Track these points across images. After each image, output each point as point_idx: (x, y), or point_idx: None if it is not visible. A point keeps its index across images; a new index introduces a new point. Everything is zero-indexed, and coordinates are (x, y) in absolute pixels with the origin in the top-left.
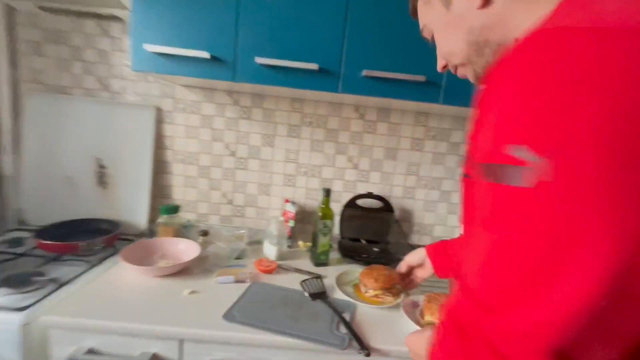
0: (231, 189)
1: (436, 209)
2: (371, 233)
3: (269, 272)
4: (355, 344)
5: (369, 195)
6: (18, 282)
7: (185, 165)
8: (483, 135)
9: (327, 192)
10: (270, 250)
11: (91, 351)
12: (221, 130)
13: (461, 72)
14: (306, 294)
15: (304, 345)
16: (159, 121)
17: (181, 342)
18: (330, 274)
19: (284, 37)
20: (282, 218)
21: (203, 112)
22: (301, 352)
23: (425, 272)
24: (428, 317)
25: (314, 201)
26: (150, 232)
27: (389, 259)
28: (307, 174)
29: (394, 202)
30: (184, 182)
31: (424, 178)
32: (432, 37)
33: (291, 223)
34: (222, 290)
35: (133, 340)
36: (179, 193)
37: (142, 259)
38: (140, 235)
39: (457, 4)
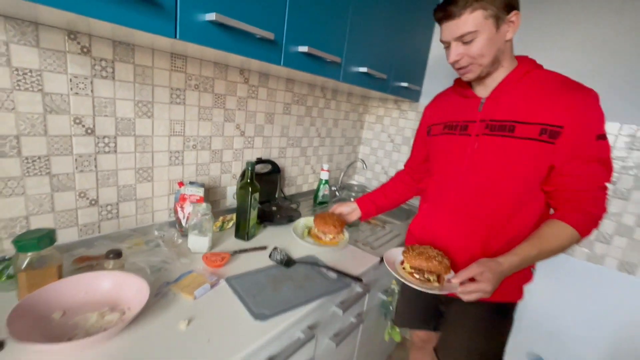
0: (93, 183)
1: (298, 163)
2: (264, 195)
3: (222, 265)
4: (347, 279)
5: (259, 161)
6: None
7: None
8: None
9: (253, 166)
10: (199, 243)
11: None
12: (62, 95)
13: (468, 69)
14: (282, 266)
15: (323, 302)
16: None
17: None
18: (266, 242)
19: None
20: (197, 202)
21: (16, 62)
22: (321, 308)
23: (353, 217)
24: (407, 266)
25: (205, 177)
26: None
27: (286, 214)
28: (196, 147)
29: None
30: None
31: (292, 138)
32: (465, 40)
33: (201, 209)
34: (211, 302)
35: None
36: None
37: (49, 333)
38: None
39: (502, 30)
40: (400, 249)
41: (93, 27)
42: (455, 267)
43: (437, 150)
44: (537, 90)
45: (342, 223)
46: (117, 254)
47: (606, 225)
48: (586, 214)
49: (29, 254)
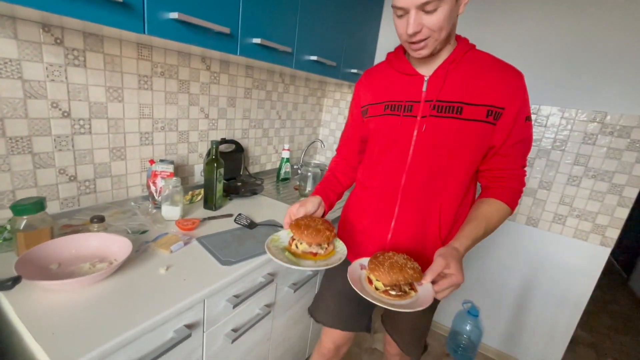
0: (71, 161)
1: (261, 144)
2: (229, 172)
3: (194, 228)
4: None
5: (223, 141)
6: None
7: None
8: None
9: (218, 144)
10: (172, 212)
11: None
12: (39, 82)
13: (424, 44)
14: (246, 228)
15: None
16: None
17: (203, 302)
18: (232, 211)
19: None
20: (167, 177)
21: None
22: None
23: (319, 213)
24: (380, 284)
25: (174, 156)
26: None
27: (250, 188)
28: (164, 129)
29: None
30: None
31: (254, 120)
32: (428, 8)
33: (172, 182)
34: (185, 255)
35: (159, 330)
36: None
37: (50, 279)
38: None
39: (459, 3)
40: (360, 263)
41: (65, 21)
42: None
43: (379, 133)
44: (479, 71)
45: (331, 223)
46: (100, 219)
47: None
48: (515, 191)
49: (25, 217)
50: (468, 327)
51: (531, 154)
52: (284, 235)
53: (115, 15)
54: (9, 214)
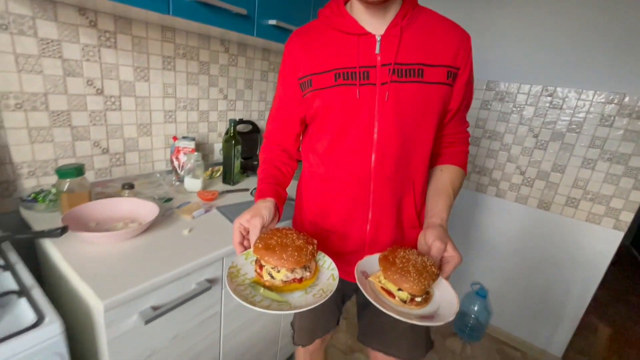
0: (104, 135)
1: None
2: (246, 151)
3: (214, 199)
4: None
5: (240, 121)
6: None
7: (26, 112)
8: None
9: (236, 123)
10: (193, 184)
11: (154, 308)
12: (76, 61)
13: None
14: None
15: None
16: None
17: (222, 260)
18: (248, 186)
19: None
20: (189, 153)
21: (42, 34)
22: None
23: (274, 223)
24: (402, 294)
25: (195, 134)
26: (19, 217)
27: None
28: (186, 107)
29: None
30: (30, 136)
31: (269, 102)
32: None
33: (193, 157)
34: (206, 220)
35: (186, 279)
36: (23, 153)
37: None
38: None
39: None
40: (360, 270)
41: (98, 4)
42: (386, 244)
43: (331, 110)
44: (432, 29)
45: (304, 233)
46: (130, 186)
47: (529, 171)
48: (466, 154)
49: (68, 180)
50: (476, 308)
51: (544, 137)
52: (242, 262)
53: None
54: (53, 180)
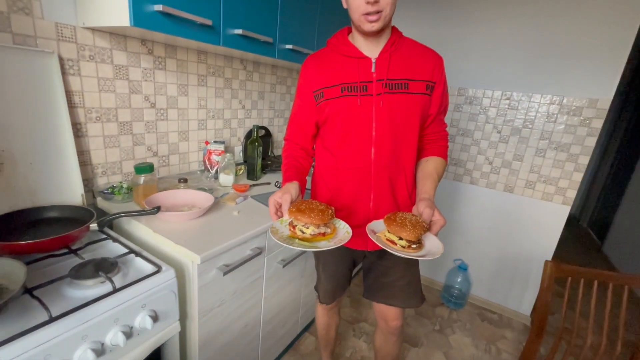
0: (155, 141)
1: (282, 130)
2: (263, 152)
3: (246, 190)
4: None
5: (261, 127)
6: (99, 270)
7: (102, 123)
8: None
9: (259, 128)
10: (227, 179)
11: (226, 265)
12: (138, 81)
13: (378, 16)
14: None
15: None
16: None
17: (266, 232)
18: (269, 180)
19: None
20: (219, 154)
21: (116, 61)
22: None
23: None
24: (402, 242)
25: (220, 138)
26: (96, 208)
27: (277, 165)
28: (214, 117)
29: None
30: (104, 142)
31: (277, 110)
32: None
33: (226, 157)
34: (246, 206)
35: (243, 246)
36: (99, 157)
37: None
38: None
39: None
40: (371, 229)
41: (155, 36)
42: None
43: (339, 115)
44: (413, 53)
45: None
46: (185, 180)
47: (496, 161)
48: (446, 148)
49: (143, 175)
50: (459, 280)
51: (506, 132)
52: (279, 226)
53: (190, 30)
54: (119, 178)
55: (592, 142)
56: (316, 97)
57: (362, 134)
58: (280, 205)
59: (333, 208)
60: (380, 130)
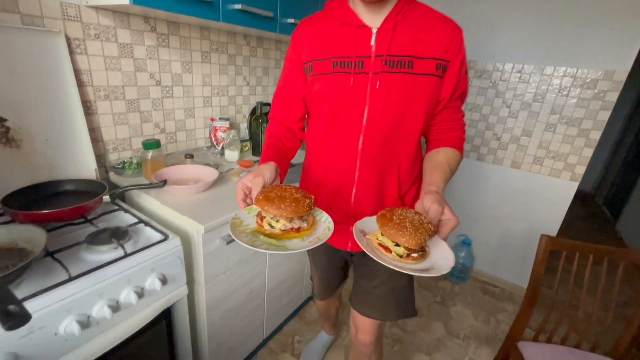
0: (162, 118)
1: None
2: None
3: (251, 165)
4: None
5: (264, 104)
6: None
7: (111, 101)
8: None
9: (262, 104)
10: (232, 155)
11: (229, 235)
12: (143, 59)
13: None
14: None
15: None
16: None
17: None
18: None
19: None
20: (225, 131)
21: (120, 39)
22: None
23: (276, 182)
24: (399, 249)
25: (226, 115)
26: (109, 182)
27: None
28: (219, 93)
29: None
30: (113, 120)
31: None
32: None
33: (231, 133)
34: None
35: None
36: (110, 133)
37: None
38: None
39: None
40: (359, 229)
41: (158, 14)
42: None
43: (328, 94)
44: (424, 24)
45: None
46: (191, 156)
47: (504, 137)
48: (461, 139)
49: (150, 151)
50: (462, 254)
51: (515, 107)
52: (245, 216)
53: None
54: (129, 154)
55: (605, 116)
56: (305, 70)
57: (351, 119)
58: (250, 191)
59: (312, 197)
60: (373, 117)
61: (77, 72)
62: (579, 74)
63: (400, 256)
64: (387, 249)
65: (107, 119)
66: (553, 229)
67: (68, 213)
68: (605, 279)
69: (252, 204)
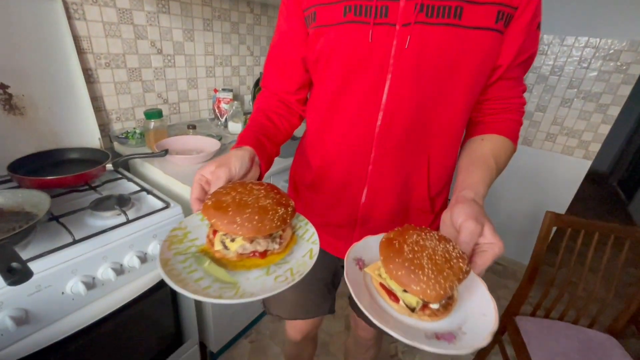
0: (164, 88)
1: None
2: None
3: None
4: None
5: None
6: (115, 204)
7: (112, 69)
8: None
9: None
10: (235, 127)
11: None
12: (143, 26)
13: None
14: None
15: None
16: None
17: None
18: None
19: None
20: (230, 102)
21: (119, 4)
22: None
23: (252, 175)
24: (412, 298)
25: (229, 86)
26: (113, 152)
27: None
28: (222, 63)
29: None
30: (115, 89)
31: None
32: None
33: (235, 105)
34: None
35: None
36: (112, 103)
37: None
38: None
39: None
40: (353, 257)
41: None
42: (382, 226)
43: (336, 53)
44: None
45: (280, 189)
46: (194, 127)
47: None
48: (517, 123)
49: (152, 120)
50: None
51: (530, 80)
52: (195, 224)
53: None
54: (132, 124)
55: (626, 90)
56: (307, 19)
57: (367, 91)
58: (209, 185)
59: (292, 203)
60: (398, 89)
61: (76, 39)
62: (602, 45)
63: (412, 309)
64: (392, 294)
65: (109, 88)
66: (561, 209)
67: (72, 179)
68: (610, 257)
69: None
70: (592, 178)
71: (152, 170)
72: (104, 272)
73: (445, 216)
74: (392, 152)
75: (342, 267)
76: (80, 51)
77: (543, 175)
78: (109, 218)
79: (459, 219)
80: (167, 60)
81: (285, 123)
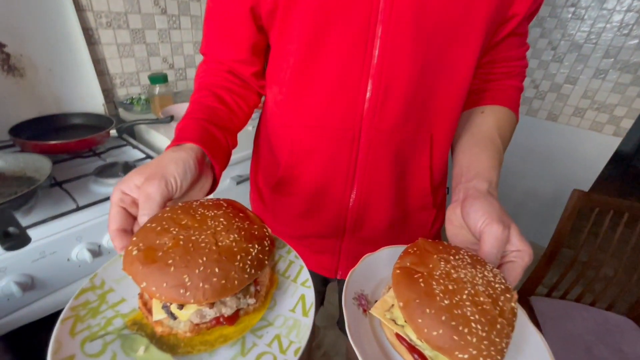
0: (169, 52)
1: None
2: None
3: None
4: None
5: None
6: (119, 171)
7: (114, 30)
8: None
9: None
10: None
11: (239, 175)
12: None
13: None
14: None
15: None
16: None
17: None
18: None
19: None
20: None
21: None
22: None
23: (204, 188)
24: (421, 343)
25: None
26: (118, 118)
27: None
28: None
29: None
30: (118, 51)
31: None
32: None
33: None
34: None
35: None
36: (116, 66)
37: None
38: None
39: None
40: (352, 295)
41: None
42: (378, 230)
43: (305, 9)
44: None
45: (247, 211)
46: None
47: (543, 84)
48: (520, 90)
49: (157, 85)
50: None
51: (562, 49)
52: (119, 275)
53: None
54: (138, 90)
55: None
56: None
57: (350, 49)
58: (137, 206)
59: (269, 231)
60: (393, 47)
61: None
62: None
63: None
64: (415, 349)
65: (112, 50)
66: (583, 189)
67: (75, 145)
68: (637, 241)
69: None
70: (615, 158)
71: (158, 137)
72: (110, 240)
73: (451, 214)
74: (388, 135)
75: (326, 286)
76: (79, 8)
77: (566, 152)
78: (113, 185)
79: (477, 222)
80: (172, 21)
81: (241, 101)
